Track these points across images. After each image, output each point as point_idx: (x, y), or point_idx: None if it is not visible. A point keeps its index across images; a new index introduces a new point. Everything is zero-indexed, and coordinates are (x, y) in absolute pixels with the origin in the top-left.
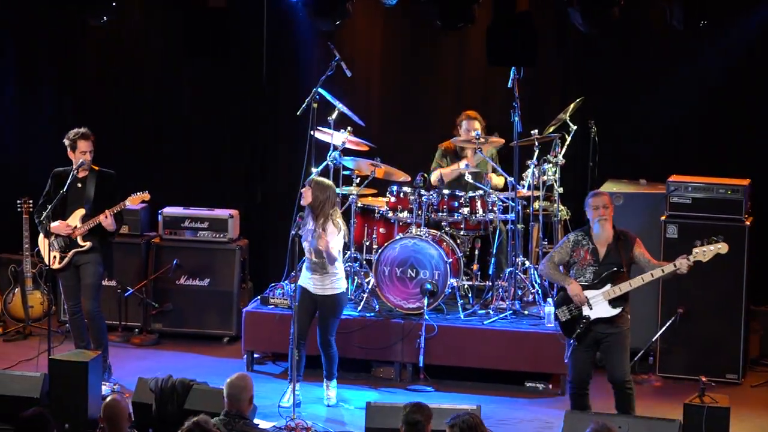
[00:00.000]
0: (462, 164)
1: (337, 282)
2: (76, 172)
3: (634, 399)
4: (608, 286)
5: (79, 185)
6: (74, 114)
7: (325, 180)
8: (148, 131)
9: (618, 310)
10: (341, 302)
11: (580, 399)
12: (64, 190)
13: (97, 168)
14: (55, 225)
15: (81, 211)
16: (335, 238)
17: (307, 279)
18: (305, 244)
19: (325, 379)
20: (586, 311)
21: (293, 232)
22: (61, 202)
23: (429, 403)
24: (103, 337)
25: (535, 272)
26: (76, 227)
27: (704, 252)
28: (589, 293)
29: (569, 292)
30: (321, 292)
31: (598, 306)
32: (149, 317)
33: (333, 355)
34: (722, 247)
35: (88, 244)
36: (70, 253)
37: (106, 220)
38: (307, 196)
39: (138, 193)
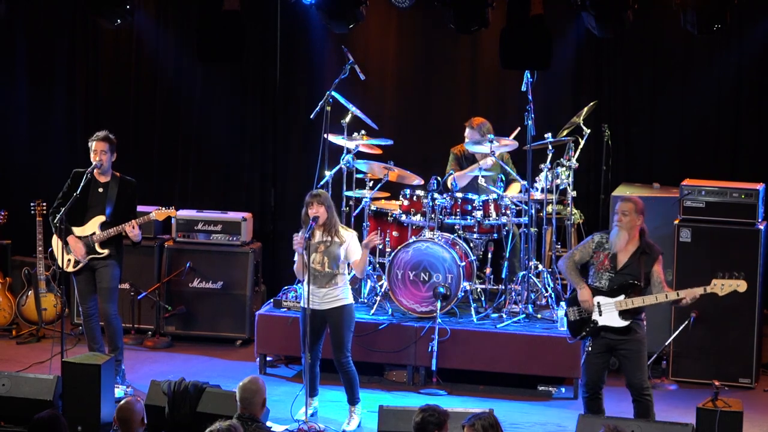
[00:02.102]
0: (476, 168)
1: (344, 292)
2: (90, 174)
3: (652, 407)
4: (621, 297)
5: (100, 190)
6: (87, 118)
7: (321, 191)
8: (161, 134)
9: (626, 323)
10: (351, 313)
11: (593, 403)
12: (78, 192)
13: (118, 174)
14: (72, 243)
15: (101, 218)
16: (355, 241)
17: (310, 295)
18: (315, 255)
19: (348, 405)
20: (594, 316)
21: (307, 235)
22: (81, 206)
23: (442, 407)
24: (118, 340)
25: (548, 276)
26: (94, 233)
27: (722, 286)
28: (601, 299)
29: (579, 296)
30: (328, 306)
31: (608, 314)
32: (162, 320)
33: (352, 377)
34: (741, 285)
35: (105, 251)
36: (87, 258)
37: (133, 231)
38: (322, 213)
39: (164, 209)
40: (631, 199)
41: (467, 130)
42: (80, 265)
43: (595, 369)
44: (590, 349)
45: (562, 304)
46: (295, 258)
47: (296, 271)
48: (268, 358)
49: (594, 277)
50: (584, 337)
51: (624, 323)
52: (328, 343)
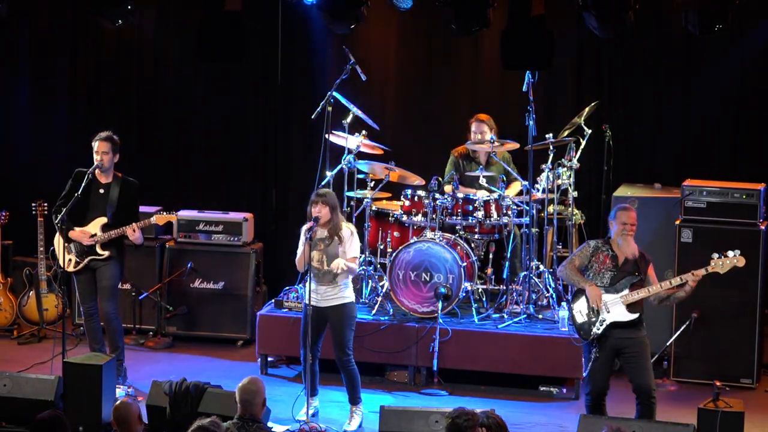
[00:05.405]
0: (480, 194)
1: (346, 290)
2: (91, 175)
3: (656, 409)
4: (626, 291)
5: (102, 191)
6: (89, 118)
7: (328, 190)
8: (162, 134)
9: (635, 315)
10: (352, 312)
11: (597, 409)
12: (79, 193)
13: (120, 175)
14: (74, 232)
15: (102, 219)
16: (354, 242)
17: (311, 293)
18: (315, 254)
19: (349, 404)
20: (603, 314)
21: (308, 236)
22: (82, 206)
23: (443, 407)
24: (119, 339)
25: (550, 276)
26: (95, 235)
27: (722, 264)
28: (607, 297)
29: (588, 293)
30: (329, 303)
31: (615, 309)
32: (163, 320)
33: (354, 376)
34: (740, 260)
35: (106, 253)
36: (87, 259)
37: (135, 234)
38: (324, 214)
39: (165, 213)
40: (630, 208)
41: (473, 125)
42: (81, 264)
43: (600, 377)
44: (596, 356)
45: (564, 304)
46: (299, 249)
47: (297, 262)
48: (269, 359)
49: (594, 277)
50: (595, 336)
51: (633, 316)
52: (328, 343)
